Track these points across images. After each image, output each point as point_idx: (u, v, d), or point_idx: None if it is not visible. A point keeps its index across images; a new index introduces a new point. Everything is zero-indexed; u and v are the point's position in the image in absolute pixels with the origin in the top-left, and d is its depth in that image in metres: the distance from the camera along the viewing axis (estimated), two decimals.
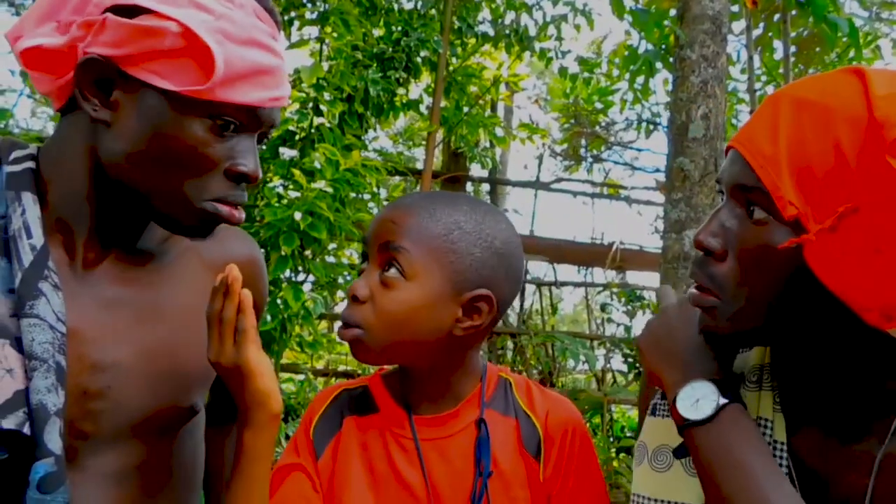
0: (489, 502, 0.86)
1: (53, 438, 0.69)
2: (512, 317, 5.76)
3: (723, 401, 0.70)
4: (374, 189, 3.28)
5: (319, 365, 5.22)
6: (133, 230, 0.82)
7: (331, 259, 3.28)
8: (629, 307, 4.32)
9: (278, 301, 2.83)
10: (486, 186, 6.87)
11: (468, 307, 0.86)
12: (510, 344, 5.53)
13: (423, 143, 5.15)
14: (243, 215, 0.80)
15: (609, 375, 4.97)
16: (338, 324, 0.93)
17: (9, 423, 0.67)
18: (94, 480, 0.76)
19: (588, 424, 5.08)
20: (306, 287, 3.06)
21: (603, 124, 7.08)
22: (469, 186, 6.05)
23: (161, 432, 0.82)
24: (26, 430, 0.68)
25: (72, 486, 0.72)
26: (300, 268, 2.98)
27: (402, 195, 0.95)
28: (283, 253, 2.70)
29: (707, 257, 0.71)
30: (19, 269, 0.72)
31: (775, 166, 0.64)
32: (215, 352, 0.77)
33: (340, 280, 3.23)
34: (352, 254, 3.64)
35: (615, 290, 4.68)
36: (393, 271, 0.85)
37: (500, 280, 0.88)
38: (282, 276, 2.82)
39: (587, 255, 5.61)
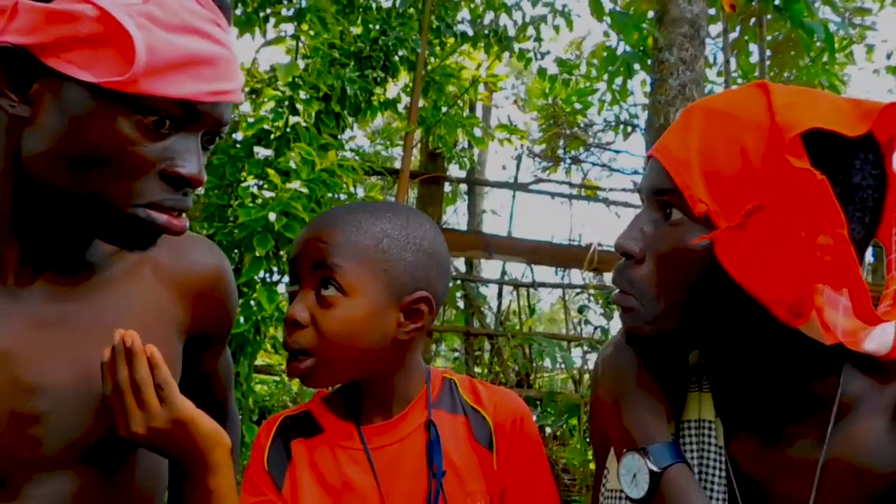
0: (445, 501, 0.86)
1: None
2: (489, 318, 5.75)
3: (656, 470, 0.70)
4: (351, 189, 3.24)
5: None
6: (73, 242, 0.75)
7: None
8: (606, 309, 4.33)
9: (252, 303, 2.78)
10: (464, 187, 6.86)
11: (408, 311, 0.87)
12: (487, 346, 5.51)
13: (401, 143, 5.11)
14: (185, 223, 0.73)
15: (586, 377, 4.98)
16: None
17: None
18: None
19: (565, 426, 5.10)
20: (280, 288, 3.02)
21: (581, 125, 7.10)
22: (447, 187, 6.03)
23: (108, 459, 0.76)
24: None
25: None
26: (274, 268, 2.94)
27: (323, 212, 0.94)
28: (257, 254, 2.66)
29: (627, 261, 0.74)
30: None
31: (687, 169, 0.69)
32: (141, 420, 0.72)
33: None
34: None
35: (592, 291, 4.69)
36: (331, 289, 0.85)
37: (433, 279, 0.90)
38: (256, 278, 2.77)
39: (565, 256, 5.61)
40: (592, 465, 4.20)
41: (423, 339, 0.94)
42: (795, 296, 0.63)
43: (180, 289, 0.83)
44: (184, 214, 0.73)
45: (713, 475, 0.75)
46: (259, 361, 4.67)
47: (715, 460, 0.75)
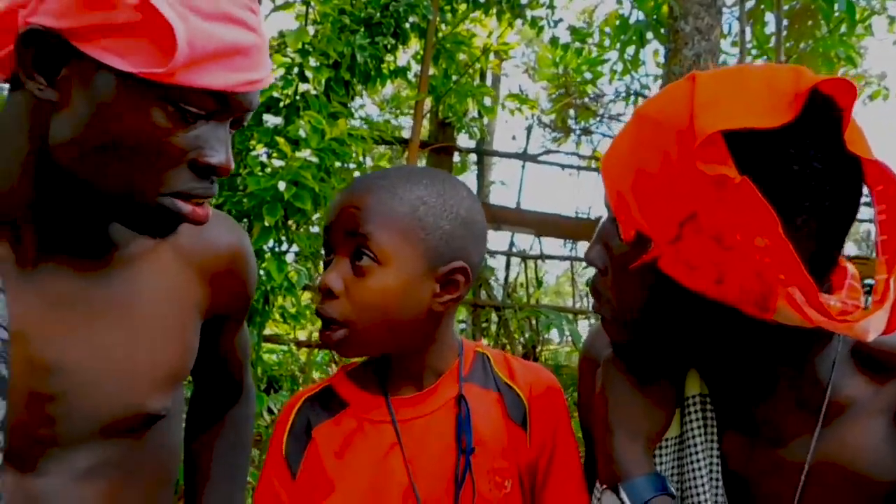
0: (472, 479, 0.84)
1: None
2: (496, 290, 5.74)
3: None
4: (360, 159, 3.21)
5: (302, 336, 5.18)
6: (92, 222, 0.74)
7: (315, 229, 3.22)
8: None
9: (261, 272, 2.77)
10: (473, 157, 6.80)
11: (444, 281, 0.85)
12: (494, 317, 5.52)
13: (411, 111, 5.06)
14: (209, 211, 0.71)
15: None
16: None
17: None
18: (59, 485, 0.71)
19: (569, 399, 5.11)
20: (289, 258, 3.01)
21: (592, 96, 7.01)
22: (456, 157, 5.98)
23: (126, 435, 0.76)
24: None
25: (29, 492, 0.67)
26: (283, 238, 2.92)
27: (356, 179, 0.91)
28: (266, 223, 2.64)
29: (596, 272, 0.74)
30: None
31: (619, 190, 0.67)
32: None
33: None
34: None
35: None
36: (365, 259, 0.82)
37: (470, 249, 0.87)
38: (265, 247, 2.76)
39: (573, 228, 5.58)
40: None
41: (456, 311, 0.92)
42: (755, 294, 0.60)
43: (200, 269, 0.81)
44: (207, 202, 0.71)
45: (719, 448, 0.74)
46: (267, 331, 4.69)
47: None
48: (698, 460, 0.73)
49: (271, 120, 2.78)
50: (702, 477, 0.72)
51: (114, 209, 0.70)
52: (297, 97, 2.97)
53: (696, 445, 0.74)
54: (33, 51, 0.64)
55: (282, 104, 3.00)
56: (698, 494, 0.72)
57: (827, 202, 0.61)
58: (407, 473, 0.84)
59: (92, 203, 0.70)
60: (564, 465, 0.90)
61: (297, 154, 2.52)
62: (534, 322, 5.15)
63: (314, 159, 2.50)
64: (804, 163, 0.60)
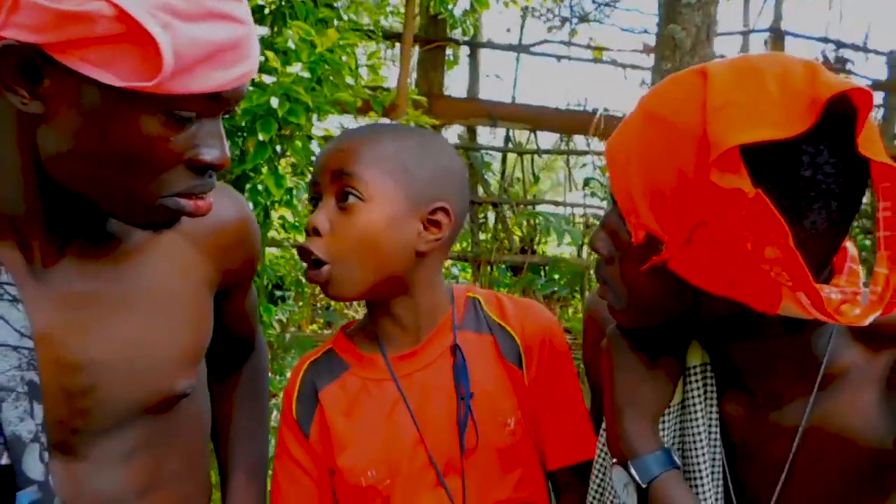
0: (475, 422, 0.89)
1: (33, 466, 0.67)
2: (493, 185, 5.73)
3: (643, 483, 0.72)
4: (354, 66, 3.13)
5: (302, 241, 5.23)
6: (95, 220, 0.74)
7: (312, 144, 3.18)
8: None
9: (259, 187, 2.77)
10: (465, 50, 6.59)
11: (428, 221, 0.88)
12: (491, 214, 5.54)
13: (402, 10, 4.85)
14: (211, 202, 0.71)
15: (587, 249, 5.05)
16: None
17: None
18: (97, 466, 0.76)
19: (567, 292, 5.23)
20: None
21: None
22: (448, 52, 5.79)
23: (158, 414, 0.80)
24: (4, 461, 0.66)
25: (76, 474, 0.72)
26: (279, 149, 2.90)
27: (342, 132, 0.92)
28: (261, 138, 2.62)
29: (602, 259, 0.75)
30: None
31: (629, 192, 0.66)
32: None
33: None
34: (331, 127, 3.53)
35: (599, 165, 4.65)
36: (351, 198, 0.85)
37: (452, 193, 0.90)
38: (262, 162, 2.75)
39: (570, 122, 5.50)
40: None
41: (443, 257, 0.95)
42: (762, 294, 0.61)
43: (208, 246, 0.83)
44: (208, 193, 0.71)
45: (718, 413, 0.77)
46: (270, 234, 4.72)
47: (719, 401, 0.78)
48: (698, 426, 0.76)
49: (258, 30, 2.69)
50: (701, 441, 0.76)
51: (113, 213, 0.70)
52: (283, 2, 2.86)
53: (696, 412, 0.77)
54: (12, 63, 0.61)
55: (266, 10, 2.90)
56: (698, 458, 0.76)
57: (835, 202, 0.61)
58: (414, 424, 0.89)
59: (92, 206, 0.70)
60: (564, 400, 0.95)
61: (288, 69, 2.47)
62: (531, 220, 5.19)
63: (306, 74, 2.45)
64: (817, 168, 0.60)
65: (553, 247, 5.70)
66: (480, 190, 5.54)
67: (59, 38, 0.59)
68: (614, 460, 0.76)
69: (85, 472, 0.75)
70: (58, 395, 0.72)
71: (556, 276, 4.64)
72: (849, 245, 0.68)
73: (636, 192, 0.65)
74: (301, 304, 4.88)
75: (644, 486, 0.72)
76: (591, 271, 4.73)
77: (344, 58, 2.92)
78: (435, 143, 0.92)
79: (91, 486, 0.74)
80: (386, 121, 3.61)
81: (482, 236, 5.32)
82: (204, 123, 0.67)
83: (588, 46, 6.29)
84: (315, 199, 0.90)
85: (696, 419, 0.77)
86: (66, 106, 0.63)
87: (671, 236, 0.64)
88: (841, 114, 0.61)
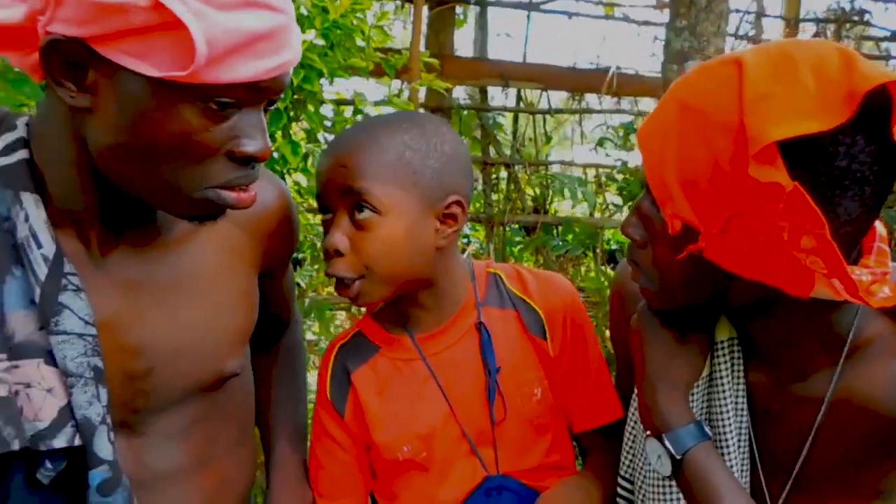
0: (502, 395, 0.92)
1: (103, 446, 0.71)
2: (505, 146, 5.71)
3: (677, 455, 0.74)
4: (366, 30, 3.10)
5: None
6: (145, 209, 0.77)
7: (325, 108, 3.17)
8: (626, 142, 4.28)
9: (275, 155, 2.78)
10: (475, 10, 6.49)
11: (443, 216, 0.89)
12: (504, 174, 5.53)
13: None
14: (253, 194, 0.72)
15: (598, 209, 5.05)
16: None
17: (60, 441, 0.69)
18: (156, 442, 0.80)
19: (580, 252, 5.24)
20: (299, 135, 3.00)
21: None
22: (458, 10, 5.71)
23: (210, 392, 0.85)
24: (77, 442, 0.70)
25: (137, 451, 0.76)
26: (292, 115, 2.90)
27: (335, 138, 0.94)
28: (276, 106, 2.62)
29: (633, 243, 0.76)
30: (36, 284, 0.68)
31: (665, 183, 0.67)
32: None
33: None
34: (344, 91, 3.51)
35: (611, 126, 4.60)
36: (365, 212, 0.85)
37: (460, 181, 0.91)
38: (278, 130, 2.75)
39: (582, 80, 5.44)
40: (607, 291, 4.39)
41: (457, 239, 0.97)
42: (796, 280, 0.63)
43: (252, 230, 0.85)
44: (251, 185, 0.72)
45: (745, 385, 0.79)
46: None
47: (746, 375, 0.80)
48: (725, 398, 0.79)
49: None
50: (728, 412, 0.78)
51: (158, 205, 0.72)
52: None
53: (723, 385, 0.79)
54: (58, 58, 0.63)
55: None
56: (725, 428, 0.78)
57: (868, 188, 0.63)
58: (445, 400, 0.93)
59: (141, 199, 0.73)
60: (587, 368, 0.98)
61: (303, 37, 2.46)
62: (544, 179, 5.18)
63: (320, 42, 2.44)
64: (852, 158, 0.61)
65: (566, 205, 5.69)
66: (492, 151, 5.52)
67: (101, 30, 0.61)
68: (647, 433, 0.78)
69: (145, 448, 0.79)
70: (120, 378, 0.76)
71: (570, 237, 4.65)
72: (878, 224, 0.70)
73: (671, 181, 0.66)
74: (317, 266, 4.93)
75: (678, 457, 0.74)
76: (603, 231, 4.74)
77: (355, 22, 2.90)
78: (434, 133, 0.91)
79: (151, 460, 0.79)
80: (398, 83, 3.59)
81: (494, 196, 5.32)
82: (244, 114, 0.68)
83: (600, 3, 6.17)
84: (325, 209, 0.90)
85: (724, 391, 0.80)
86: (109, 98, 0.65)
87: (706, 225, 0.65)
88: (880, 108, 0.62)
